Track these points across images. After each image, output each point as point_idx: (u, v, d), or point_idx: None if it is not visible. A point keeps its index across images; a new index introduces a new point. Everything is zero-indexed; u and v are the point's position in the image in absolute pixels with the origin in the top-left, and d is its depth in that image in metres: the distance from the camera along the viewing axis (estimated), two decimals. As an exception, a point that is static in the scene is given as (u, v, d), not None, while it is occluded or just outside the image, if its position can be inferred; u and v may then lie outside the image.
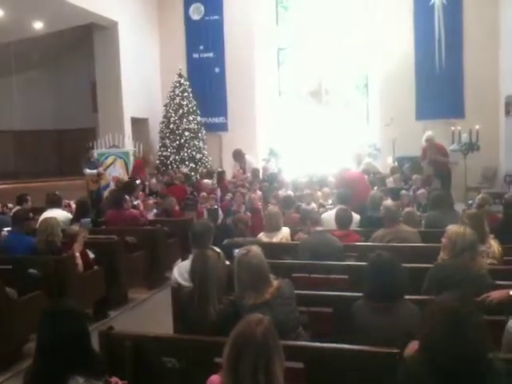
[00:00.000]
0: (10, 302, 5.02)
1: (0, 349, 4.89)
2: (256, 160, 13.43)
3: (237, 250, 3.67)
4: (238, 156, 12.28)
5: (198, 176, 12.42)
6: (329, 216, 6.32)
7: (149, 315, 6.35)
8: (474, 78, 12.78)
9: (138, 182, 10.26)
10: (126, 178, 11.42)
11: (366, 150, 13.26)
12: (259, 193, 9.87)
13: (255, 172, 11.24)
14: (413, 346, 2.76)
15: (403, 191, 8.59)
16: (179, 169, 12.45)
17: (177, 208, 9.22)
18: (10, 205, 8.54)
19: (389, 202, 5.89)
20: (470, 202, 7.29)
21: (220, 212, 9.11)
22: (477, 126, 11.01)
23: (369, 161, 11.44)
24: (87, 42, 14.16)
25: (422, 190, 8.35)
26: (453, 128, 11.46)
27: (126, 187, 9.45)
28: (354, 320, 3.35)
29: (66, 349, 2.36)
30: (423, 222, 6.60)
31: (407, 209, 6.47)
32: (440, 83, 13.09)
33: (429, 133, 10.43)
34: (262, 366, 2.12)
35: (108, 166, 12.07)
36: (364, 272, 3.53)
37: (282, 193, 9.39)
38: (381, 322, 3.16)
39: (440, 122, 12.92)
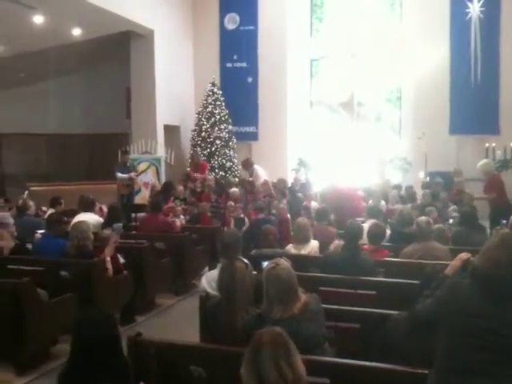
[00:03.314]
0: (41, 303, 5.12)
1: (28, 349, 4.98)
2: (284, 170, 13.45)
3: (266, 263, 3.66)
4: (247, 165, 12.27)
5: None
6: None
7: (175, 321, 6.41)
8: (510, 94, 12.50)
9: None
10: (157, 184, 11.55)
11: (397, 163, 13.14)
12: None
13: (283, 183, 11.20)
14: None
15: (430, 208, 8.41)
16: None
17: (209, 214, 9.33)
18: (44, 208, 8.69)
19: (422, 218, 5.82)
20: (504, 221, 7.13)
21: (246, 220, 9.16)
22: (512, 144, 10.85)
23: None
24: (123, 49, 14.38)
25: (453, 206, 8.20)
26: (487, 144, 11.29)
27: (164, 188, 9.81)
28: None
29: (98, 354, 2.41)
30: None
31: (437, 225, 6.38)
32: (475, 98, 12.81)
33: (485, 161, 9.38)
34: (282, 357, 2.16)
35: (142, 172, 12.24)
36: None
37: (314, 204, 9.38)
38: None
39: (474, 137, 12.70)
